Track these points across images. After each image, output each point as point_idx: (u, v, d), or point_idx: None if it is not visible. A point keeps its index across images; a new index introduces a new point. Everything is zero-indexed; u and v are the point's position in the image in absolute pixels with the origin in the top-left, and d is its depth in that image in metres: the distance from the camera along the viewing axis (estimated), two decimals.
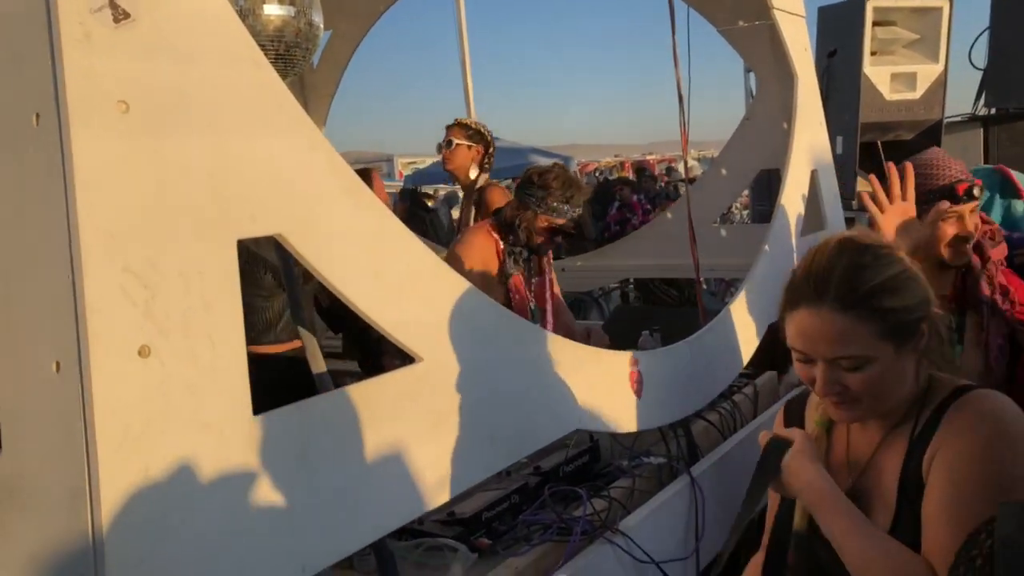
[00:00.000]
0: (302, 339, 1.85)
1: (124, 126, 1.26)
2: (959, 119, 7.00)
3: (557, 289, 3.44)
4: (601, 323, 4.76)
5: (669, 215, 4.99)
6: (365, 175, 4.74)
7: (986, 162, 7.09)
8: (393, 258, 1.68)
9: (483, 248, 3.04)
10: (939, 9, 4.79)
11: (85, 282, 1.17)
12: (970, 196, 2.07)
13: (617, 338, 4.33)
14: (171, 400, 1.26)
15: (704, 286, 5.24)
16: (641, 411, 2.40)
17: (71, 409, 1.18)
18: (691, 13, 4.09)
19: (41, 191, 1.23)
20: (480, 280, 2.89)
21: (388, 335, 1.64)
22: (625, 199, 11.67)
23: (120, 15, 1.28)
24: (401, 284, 1.69)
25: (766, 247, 3.42)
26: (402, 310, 1.69)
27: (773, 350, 3.37)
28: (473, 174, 4.07)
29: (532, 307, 3.15)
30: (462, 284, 1.84)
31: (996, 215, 2.80)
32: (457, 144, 3.98)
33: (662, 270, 5.17)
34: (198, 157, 1.35)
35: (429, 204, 13.08)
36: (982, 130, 6.95)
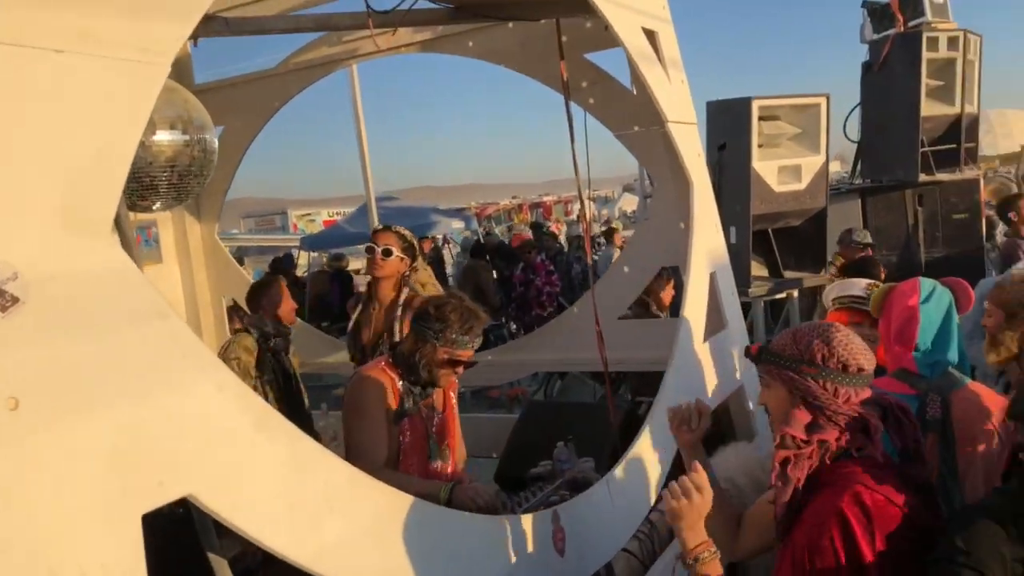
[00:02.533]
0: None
1: (13, 426, 1.16)
2: (841, 190, 7.46)
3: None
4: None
5: (576, 310, 5.05)
6: (272, 283, 4.61)
7: (864, 227, 7.56)
8: (309, 483, 1.61)
9: (376, 387, 2.87)
10: (817, 105, 5.09)
11: None
12: None
13: (529, 442, 4.36)
14: None
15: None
16: (566, 570, 2.38)
17: None
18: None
19: None
20: (382, 425, 2.81)
21: (310, 571, 1.56)
22: (529, 261, 11.78)
23: (8, 302, 1.19)
24: (318, 509, 1.62)
25: (674, 361, 3.49)
26: (322, 535, 1.61)
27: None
28: (396, 287, 3.95)
29: (432, 444, 3.01)
30: (384, 492, 1.78)
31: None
32: (395, 255, 3.86)
33: (571, 364, 5.22)
34: (99, 436, 1.26)
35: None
36: (860, 200, 7.42)
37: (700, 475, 1.86)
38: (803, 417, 1.81)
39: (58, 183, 1.30)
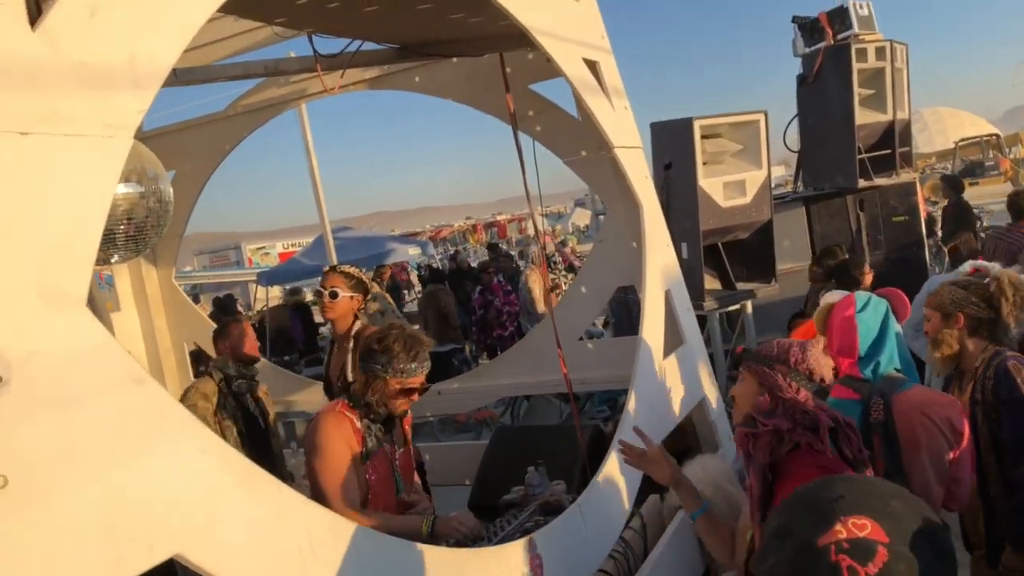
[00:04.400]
0: None
1: (3, 503, 1.19)
2: (786, 199, 7.69)
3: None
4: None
5: (537, 333, 5.13)
6: (229, 324, 4.59)
7: (810, 235, 7.79)
8: (292, 534, 1.66)
9: (340, 429, 2.87)
10: (756, 122, 5.28)
11: None
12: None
13: (500, 467, 4.42)
14: None
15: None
16: None
17: None
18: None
19: None
20: (350, 467, 2.82)
21: None
22: (486, 283, 11.86)
23: None
24: (303, 558, 1.67)
25: (636, 379, 3.58)
26: None
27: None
28: (351, 324, 4.02)
29: (397, 478, 3.05)
30: (366, 535, 1.83)
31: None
32: (342, 296, 3.92)
33: (536, 387, 5.30)
34: (88, 507, 1.29)
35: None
36: (804, 208, 7.65)
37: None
38: (764, 404, 2.13)
39: (33, 261, 1.34)
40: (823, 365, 2.18)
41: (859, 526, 1.06)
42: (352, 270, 4.07)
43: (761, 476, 1.97)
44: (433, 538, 2.71)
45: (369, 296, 4.18)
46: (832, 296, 2.94)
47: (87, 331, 1.39)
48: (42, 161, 1.41)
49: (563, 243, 24.56)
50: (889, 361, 2.60)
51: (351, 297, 3.93)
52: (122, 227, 3.50)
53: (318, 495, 2.66)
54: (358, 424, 2.89)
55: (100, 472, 1.33)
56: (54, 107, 1.45)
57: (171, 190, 3.89)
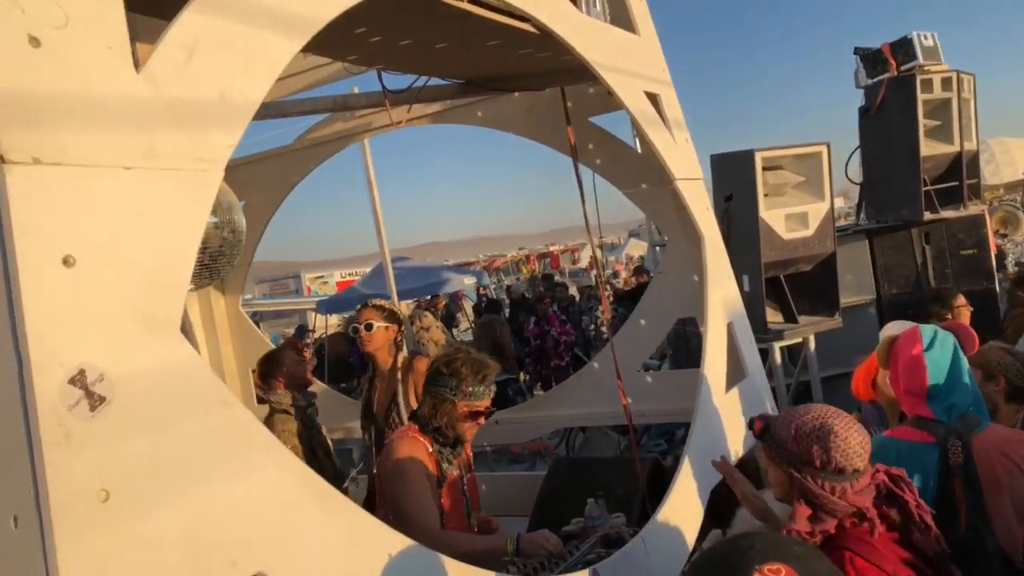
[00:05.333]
0: None
1: (105, 517, 1.26)
2: (848, 232, 7.56)
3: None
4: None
5: (596, 364, 5.13)
6: (282, 352, 4.68)
7: (873, 268, 7.63)
8: (369, 557, 1.70)
9: (416, 452, 2.89)
10: (819, 153, 5.23)
11: None
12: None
13: (558, 499, 4.40)
14: None
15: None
16: None
17: None
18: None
19: None
20: (429, 491, 2.85)
21: None
22: (541, 313, 11.87)
23: (96, 401, 1.30)
24: None
25: (699, 413, 3.56)
26: None
27: (716, 508, 3.47)
28: (391, 354, 4.12)
29: (467, 503, 3.07)
30: (439, 560, 1.86)
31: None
32: (377, 327, 4.03)
33: (594, 418, 5.28)
34: (179, 522, 1.35)
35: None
36: (867, 241, 7.51)
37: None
38: (804, 511, 1.93)
39: (134, 289, 1.43)
40: (851, 455, 1.94)
41: (774, 571, 1.13)
42: (384, 303, 4.23)
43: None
44: (518, 555, 2.74)
45: (427, 323, 4.28)
46: (893, 328, 2.88)
47: (181, 355, 1.46)
48: (142, 194, 1.50)
49: (615, 275, 24.46)
50: (963, 401, 2.52)
51: (386, 328, 4.08)
52: (197, 256, 3.62)
53: (400, 520, 2.65)
54: (431, 448, 2.91)
55: (190, 489, 1.39)
56: (153, 143, 1.54)
57: (244, 220, 4.03)
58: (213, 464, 1.44)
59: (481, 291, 20.90)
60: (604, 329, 12.87)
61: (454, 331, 16.06)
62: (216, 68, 1.68)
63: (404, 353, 4.16)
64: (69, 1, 1.43)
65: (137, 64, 1.55)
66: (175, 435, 1.39)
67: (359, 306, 4.34)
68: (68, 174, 1.38)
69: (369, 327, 4.03)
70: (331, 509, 1.65)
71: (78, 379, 1.28)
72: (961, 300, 4.71)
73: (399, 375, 4.10)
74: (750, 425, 2.15)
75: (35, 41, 1.36)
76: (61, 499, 1.21)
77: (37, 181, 1.33)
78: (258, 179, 5.75)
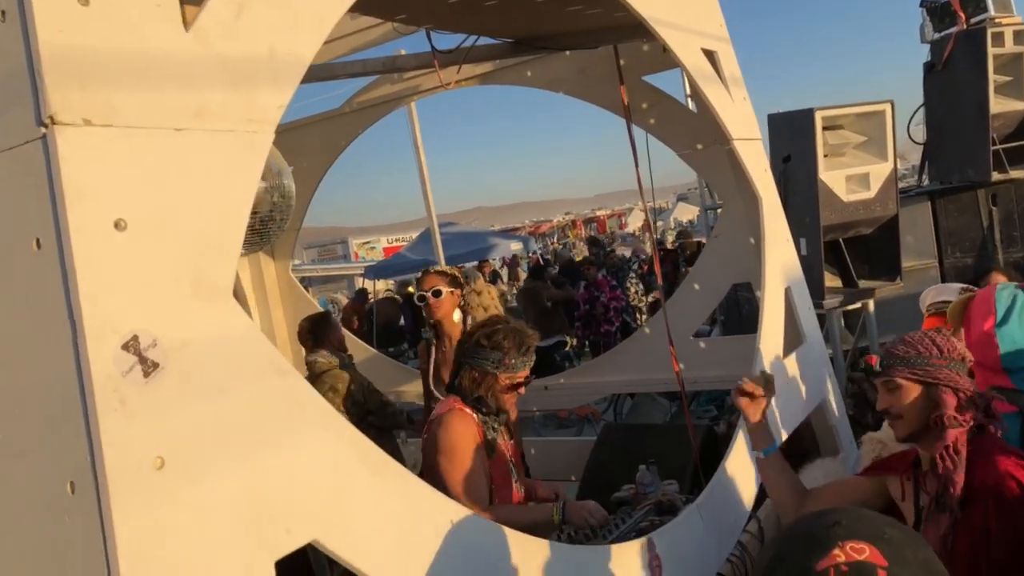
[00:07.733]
0: None
1: (160, 484, 1.24)
2: (909, 194, 7.29)
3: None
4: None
5: (647, 330, 5.05)
6: (328, 317, 4.76)
7: (936, 231, 7.36)
8: (423, 525, 1.67)
9: (467, 427, 2.87)
10: (882, 112, 5.02)
11: None
12: (869, 370, 2.24)
13: (608, 465, 4.37)
14: None
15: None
16: None
17: None
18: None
19: (81, 562, 1.21)
20: (479, 464, 2.83)
21: None
22: (591, 278, 11.78)
23: (149, 367, 1.28)
24: (433, 550, 1.68)
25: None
26: None
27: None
28: (457, 317, 4.10)
29: (512, 471, 3.06)
30: (493, 529, 1.83)
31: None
32: (445, 292, 4.01)
33: (644, 385, 5.22)
34: (235, 490, 1.34)
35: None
36: (930, 203, 7.24)
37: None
38: (951, 400, 2.04)
39: (186, 253, 1.40)
40: (961, 346, 2.16)
41: (857, 550, 1.07)
42: (444, 268, 4.23)
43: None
44: (564, 524, 2.75)
45: (479, 287, 4.25)
46: (937, 291, 2.80)
47: (235, 321, 1.44)
48: (193, 156, 1.47)
49: (660, 241, 24.12)
50: None
51: (452, 292, 4.05)
52: (248, 221, 3.62)
53: (451, 492, 2.63)
54: (476, 418, 2.90)
55: (245, 457, 1.37)
56: (204, 103, 1.50)
57: (293, 185, 4.02)
58: (267, 432, 1.42)
59: (532, 256, 20.85)
60: (643, 299, 12.77)
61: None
62: (265, 25, 1.63)
63: (471, 318, 4.14)
64: None
65: (185, 23, 1.51)
66: (229, 402, 1.36)
67: (420, 272, 4.34)
68: (119, 135, 1.34)
69: (438, 294, 4.00)
70: (386, 477, 1.62)
71: (131, 345, 1.26)
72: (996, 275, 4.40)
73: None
74: (864, 365, 2.32)
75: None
76: (116, 465, 1.20)
77: (88, 143, 1.30)
78: (306, 144, 5.75)
